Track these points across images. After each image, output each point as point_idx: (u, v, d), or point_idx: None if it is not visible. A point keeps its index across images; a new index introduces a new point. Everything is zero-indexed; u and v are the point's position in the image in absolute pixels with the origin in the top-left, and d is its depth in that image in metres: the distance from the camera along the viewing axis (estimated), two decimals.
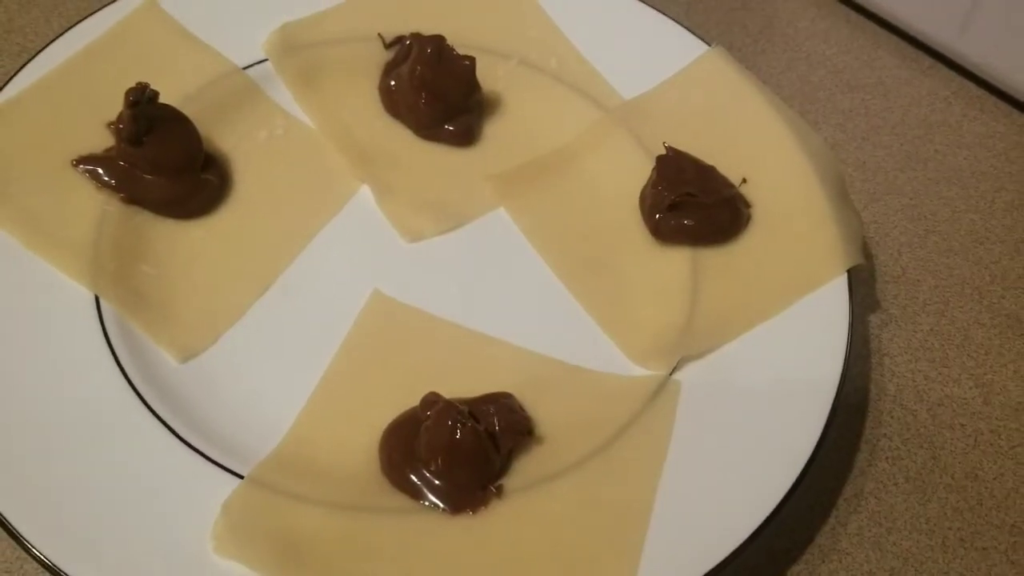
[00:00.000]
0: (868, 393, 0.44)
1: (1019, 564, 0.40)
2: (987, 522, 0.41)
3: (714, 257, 0.44)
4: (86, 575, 0.32)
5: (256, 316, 0.42)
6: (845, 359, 0.40)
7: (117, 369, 0.38)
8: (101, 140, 0.44)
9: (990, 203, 0.52)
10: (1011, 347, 0.47)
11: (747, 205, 0.45)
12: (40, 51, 0.45)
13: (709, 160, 0.45)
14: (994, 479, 0.42)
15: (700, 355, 0.41)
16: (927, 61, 0.58)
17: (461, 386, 0.38)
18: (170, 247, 0.43)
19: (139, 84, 0.42)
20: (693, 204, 0.44)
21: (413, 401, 0.38)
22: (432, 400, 0.38)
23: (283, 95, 0.48)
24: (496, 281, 0.44)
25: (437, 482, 0.36)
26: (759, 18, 0.59)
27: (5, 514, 0.33)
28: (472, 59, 0.47)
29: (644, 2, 0.51)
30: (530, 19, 0.51)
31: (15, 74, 0.45)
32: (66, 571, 0.32)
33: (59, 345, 0.38)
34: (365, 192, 0.46)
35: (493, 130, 0.49)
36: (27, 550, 0.33)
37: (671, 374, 0.40)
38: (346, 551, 0.34)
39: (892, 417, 0.44)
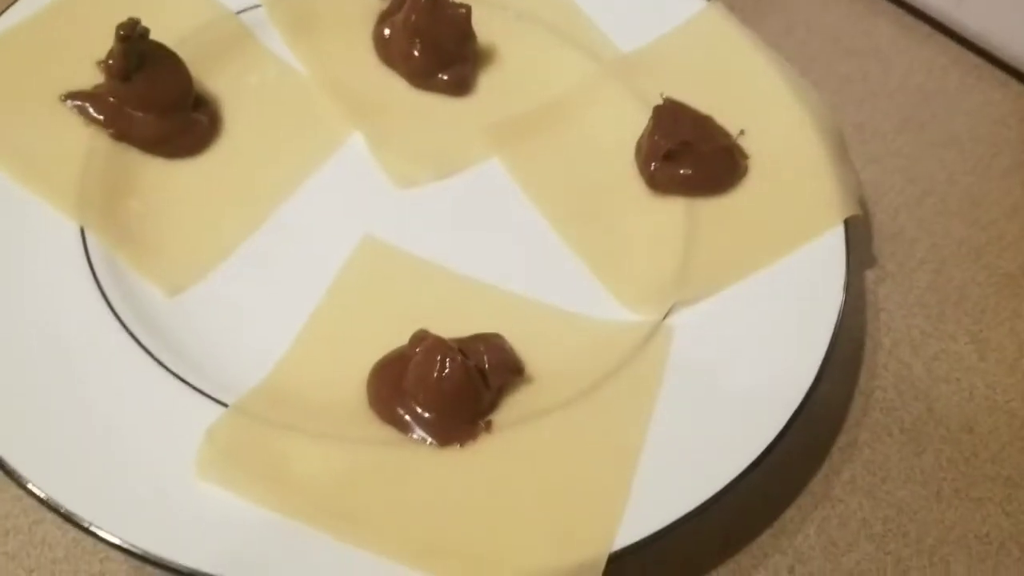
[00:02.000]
0: (863, 347, 0.44)
1: (1013, 515, 0.40)
2: (982, 474, 0.41)
3: (709, 207, 0.44)
4: (72, 500, 0.32)
5: (245, 254, 0.41)
6: (840, 308, 0.39)
7: (103, 301, 0.37)
8: (91, 77, 0.43)
9: (987, 167, 0.52)
10: (1007, 305, 0.46)
11: (744, 156, 0.45)
12: None
13: (706, 112, 0.45)
14: (989, 432, 0.42)
15: (694, 302, 0.40)
16: (925, 30, 0.57)
17: (451, 328, 0.38)
18: (159, 185, 0.42)
19: (130, 19, 0.41)
20: (689, 153, 0.43)
21: (402, 341, 0.38)
22: (421, 336, 0.37)
23: (276, 41, 0.48)
24: (488, 229, 0.44)
25: (425, 415, 0.36)
26: None
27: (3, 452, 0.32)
28: (467, 7, 0.46)
29: None
30: None
31: (4, 11, 0.44)
32: (53, 496, 0.32)
33: (45, 277, 0.38)
34: (357, 139, 0.46)
35: (488, 81, 0.48)
36: (13, 478, 0.32)
37: (664, 319, 0.40)
38: (331, 480, 0.34)
39: (887, 370, 0.43)
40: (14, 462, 0.32)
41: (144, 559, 0.31)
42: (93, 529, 0.31)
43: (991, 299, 0.46)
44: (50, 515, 0.35)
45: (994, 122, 0.54)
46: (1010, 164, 0.52)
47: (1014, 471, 0.41)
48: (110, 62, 0.42)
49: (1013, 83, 0.56)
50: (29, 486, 0.32)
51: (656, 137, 0.44)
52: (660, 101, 0.45)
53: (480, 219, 0.44)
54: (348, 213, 0.43)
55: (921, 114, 0.53)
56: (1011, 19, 0.54)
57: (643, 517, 0.33)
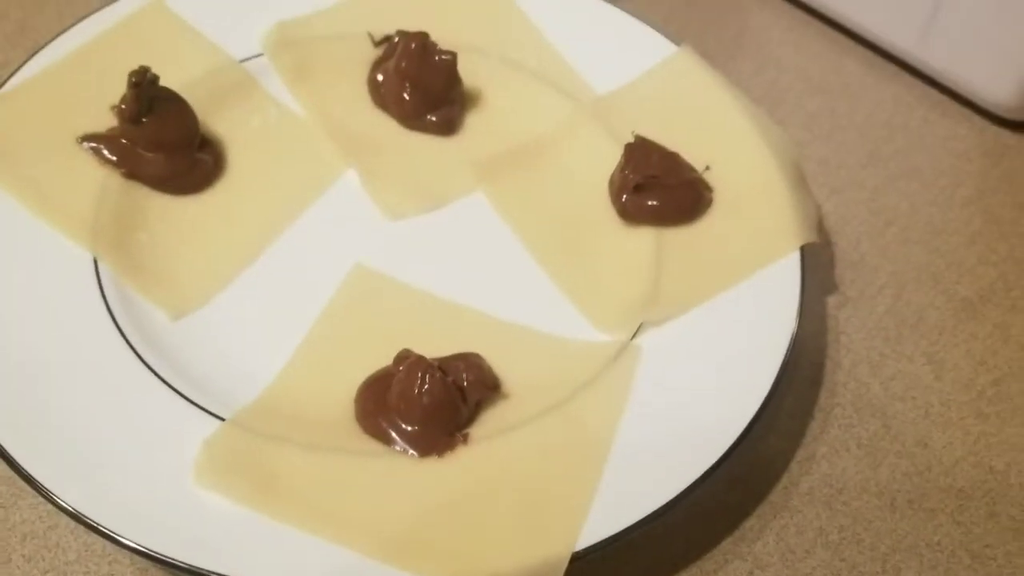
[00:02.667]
0: (824, 367, 0.47)
1: (964, 524, 0.42)
2: (935, 486, 0.43)
3: (677, 236, 0.47)
4: (79, 499, 0.35)
5: (245, 282, 0.44)
6: (794, 327, 0.42)
7: (113, 324, 0.41)
8: (105, 121, 0.47)
9: (948, 198, 0.55)
10: (963, 328, 0.49)
11: (708, 189, 0.48)
12: (51, 41, 0.49)
13: (674, 149, 0.48)
14: (943, 447, 0.45)
15: (660, 322, 0.43)
16: (891, 68, 0.61)
17: (434, 349, 0.41)
18: (166, 219, 0.46)
19: (141, 67, 0.45)
20: (657, 186, 0.47)
21: (388, 361, 0.41)
22: (405, 355, 0.40)
23: (277, 87, 0.51)
24: (471, 257, 0.47)
25: (406, 428, 0.39)
26: (733, 27, 0.62)
27: (8, 449, 0.36)
28: (453, 54, 0.50)
29: (619, 8, 0.54)
30: (510, 20, 0.54)
31: (27, 60, 0.48)
32: (61, 496, 0.35)
33: (60, 301, 0.41)
34: (351, 175, 0.49)
35: (474, 121, 0.52)
36: (34, 486, 0.35)
37: (632, 339, 0.43)
38: (320, 486, 0.37)
39: (846, 389, 0.46)
40: (35, 472, 0.35)
41: (148, 557, 0.34)
42: (103, 530, 0.34)
43: (948, 322, 0.49)
44: (63, 521, 0.38)
45: (956, 155, 0.57)
46: (970, 194, 0.55)
47: (966, 483, 0.44)
48: (123, 107, 0.45)
49: (976, 118, 0.59)
50: (49, 494, 0.35)
51: (627, 171, 0.47)
52: (631, 139, 0.48)
53: (464, 248, 0.47)
54: (341, 243, 0.46)
55: (886, 148, 0.57)
56: (972, 57, 0.57)
57: (605, 520, 0.36)
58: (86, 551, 0.38)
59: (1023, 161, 0.57)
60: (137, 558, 0.38)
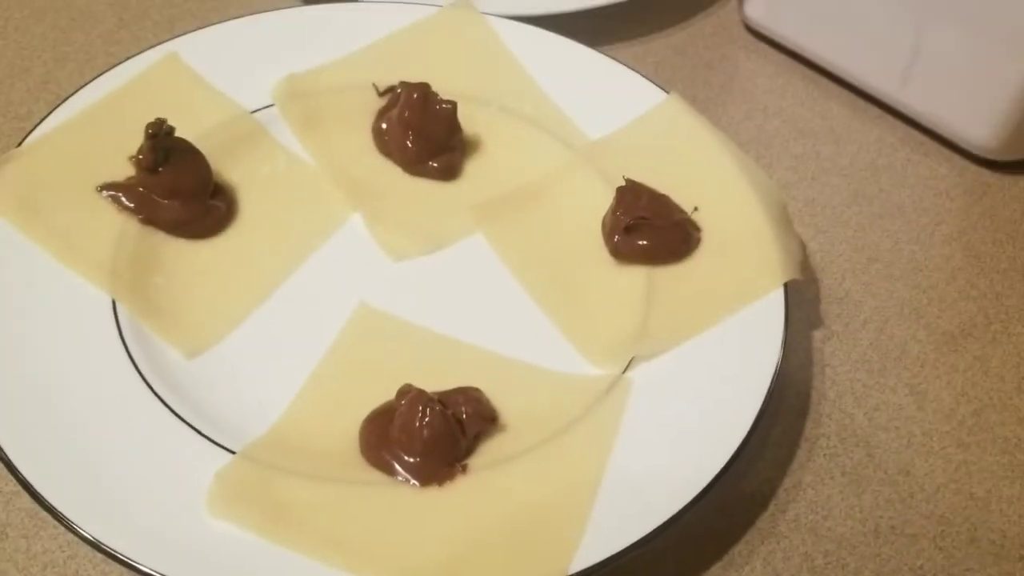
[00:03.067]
0: (809, 399, 0.49)
1: (946, 550, 0.44)
2: (917, 512, 0.45)
3: (667, 274, 0.49)
4: (99, 530, 0.37)
5: (255, 322, 0.47)
6: (778, 360, 0.44)
7: (129, 362, 0.43)
8: (123, 171, 0.49)
9: (930, 235, 0.57)
10: (945, 360, 0.51)
11: (697, 229, 0.50)
12: (71, 95, 0.51)
13: (664, 192, 0.51)
14: (925, 475, 0.46)
15: (651, 357, 0.45)
16: (874, 111, 0.63)
17: (435, 383, 0.43)
18: (180, 263, 0.48)
19: (158, 119, 0.48)
20: (647, 227, 0.49)
21: (391, 396, 0.43)
22: (406, 390, 0.42)
23: (286, 136, 0.54)
24: (471, 296, 0.49)
25: (408, 459, 0.41)
26: (721, 75, 0.65)
27: (33, 482, 0.38)
28: (453, 103, 0.53)
29: (612, 58, 0.57)
30: (507, 71, 0.57)
31: (49, 114, 0.51)
32: (82, 527, 0.37)
33: (81, 341, 0.43)
34: (356, 219, 0.52)
35: (473, 167, 0.54)
36: (52, 512, 0.37)
37: (623, 373, 0.45)
38: (326, 516, 0.39)
39: (831, 419, 0.48)
40: (58, 504, 0.37)
41: None
42: (122, 558, 0.36)
43: (930, 355, 0.51)
44: (82, 551, 0.40)
45: (938, 194, 0.59)
46: (951, 232, 0.57)
47: (947, 510, 0.45)
48: (140, 157, 0.48)
49: (956, 158, 0.61)
50: (71, 524, 0.37)
51: (618, 213, 0.49)
52: (623, 182, 0.50)
53: (463, 287, 0.49)
54: (346, 284, 0.49)
55: (869, 188, 0.59)
56: (952, 99, 0.59)
57: (598, 545, 0.38)
58: None
59: (1002, 199, 0.59)
60: None
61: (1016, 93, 0.56)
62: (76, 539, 0.40)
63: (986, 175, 0.60)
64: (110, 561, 0.40)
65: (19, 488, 0.41)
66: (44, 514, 0.41)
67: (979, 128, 0.59)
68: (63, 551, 0.40)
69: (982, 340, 0.52)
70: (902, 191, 0.59)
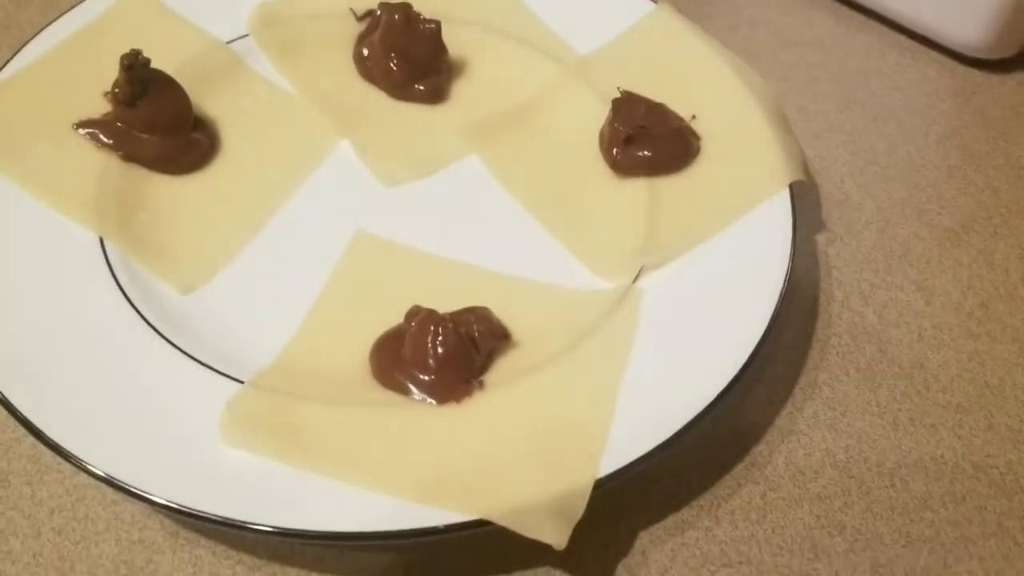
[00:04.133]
0: (818, 301, 0.48)
1: (965, 438, 0.44)
2: (934, 403, 0.45)
3: (669, 184, 0.48)
4: (113, 466, 0.35)
5: (250, 255, 0.45)
6: (789, 258, 0.43)
7: (125, 300, 0.41)
8: (98, 108, 0.47)
9: (924, 136, 0.56)
10: (948, 256, 0.50)
11: (696, 137, 0.49)
12: (37, 33, 0.49)
13: (660, 102, 0.50)
14: (939, 367, 0.46)
15: (660, 265, 0.44)
16: (859, 18, 0.62)
17: (441, 306, 0.41)
18: (167, 198, 0.46)
19: (133, 50, 0.45)
20: (646, 136, 0.48)
21: (397, 321, 0.42)
22: (415, 311, 0.41)
23: (264, 66, 0.52)
24: (469, 217, 0.48)
25: (423, 378, 0.39)
26: None
27: (41, 426, 0.36)
28: (437, 22, 0.51)
29: None
30: None
31: (16, 53, 0.48)
32: (94, 465, 0.35)
33: (72, 283, 0.42)
34: (345, 147, 0.50)
35: (461, 89, 0.53)
36: (60, 452, 0.36)
37: (633, 283, 0.44)
38: (343, 436, 0.37)
39: (841, 319, 0.47)
40: (68, 445, 0.36)
41: (180, 512, 0.35)
42: (136, 491, 0.35)
43: (934, 252, 0.51)
44: (89, 493, 0.39)
45: (928, 96, 0.58)
46: (944, 132, 0.56)
47: (963, 399, 0.45)
48: (116, 91, 0.46)
49: (945, 60, 0.60)
50: (86, 465, 0.35)
51: (616, 125, 0.48)
52: (617, 95, 0.49)
53: (461, 210, 0.48)
54: (341, 212, 0.47)
55: (860, 93, 0.58)
56: (938, 1, 0.58)
57: (623, 449, 0.37)
58: (115, 520, 0.38)
59: (992, 98, 0.59)
60: (167, 522, 0.38)
61: None
62: (82, 482, 0.39)
63: (975, 75, 0.60)
64: (119, 502, 0.39)
65: (17, 436, 0.40)
66: (46, 460, 0.40)
67: (966, 27, 0.58)
68: (70, 495, 0.39)
69: (983, 234, 0.52)
70: (893, 94, 0.58)
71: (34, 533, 0.38)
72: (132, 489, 0.35)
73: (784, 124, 0.50)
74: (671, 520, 0.40)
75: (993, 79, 0.60)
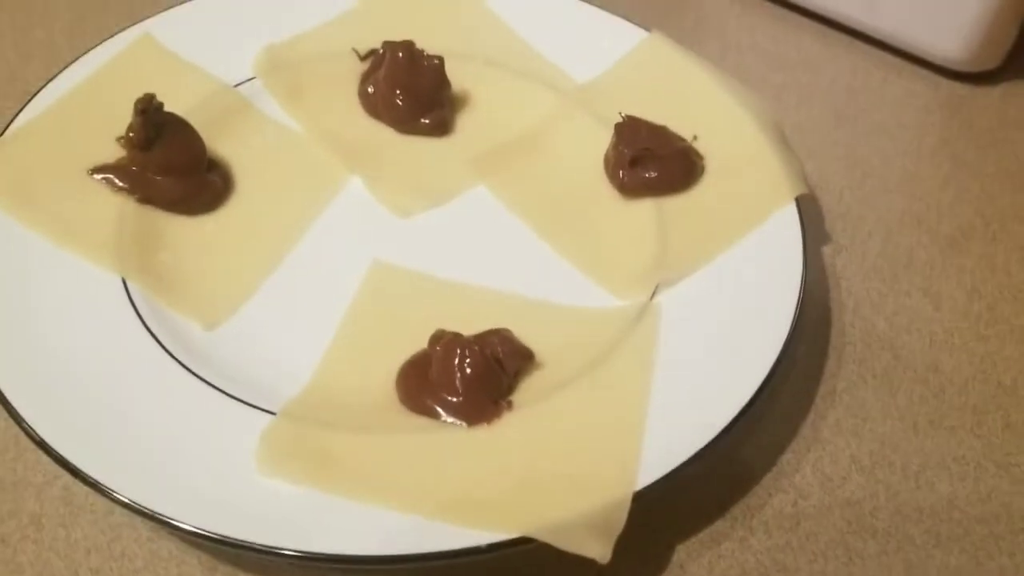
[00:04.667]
0: (830, 312, 0.49)
1: (984, 437, 0.44)
2: (951, 406, 0.46)
3: (676, 204, 0.49)
4: (147, 499, 0.35)
5: (270, 289, 0.45)
6: (803, 268, 0.44)
7: (152, 339, 0.41)
8: (111, 153, 0.48)
9: (916, 148, 0.58)
10: (952, 262, 0.52)
11: (700, 157, 0.50)
12: (47, 83, 0.50)
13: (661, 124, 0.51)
14: (953, 370, 0.47)
15: (675, 281, 0.45)
16: (845, 39, 0.64)
17: (462, 331, 0.42)
18: (185, 238, 0.47)
19: (146, 94, 0.46)
20: (651, 158, 0.49)
21: (419, 347, 0.42)
22: (440, 335, 0.42)
23: (272, 108, 0.53)
24: (482, 245, 0.48)
25: (452, 400, 0.40)
26: (691, 18, 0.65)
27: (80, 465, 0.36)
28: (441, 58, 0.52)
29: (588, 2, 0.57)
30: (488, 26, 0.57)
31: (24, 106, 0.49)
32: (133, 499, 0.35)
33: (98, 325, 0.42)
34: (355, 182, 0.51)
35: (465, 121, 0.54)
36: (98, 488, 0.36)
37: (651, 300, 0.45)
38: (376, 462, 0.38)
39: (854, 328, 0.48)
40: (108, 482, 0.36)
41: (217, 541, 0.35)
42: (174, 523, 0.35)
43: (937, 259, 0.52)
44: (125, 532, 0.39)
45: (917, 110, 0.60)
46: (936, 143, 0.58)
47: (979, 400, 0.46)
48: (131, 135, 0.46)
49: (930, 75, 0.62)
50: (121, 498, 0.35)
51: (620, 148, 0.49)
52: (618, 120, 0.50)
53: (474, 237, 0.49)
54: (356, 244, 0.47)
55: (851, 110, 0.60)
56: (920, 16, 0.60)
57: (657, 462, 0.37)
58: (153, 557, 0.38)
59: (978, 109, 0.60)
60: (204, 557, 0.38)
61: (981, 4, 0.58)
62: (116, 522, 0.39)
63: (959, 88, 0.62)
64: (156, 539, 0.39)
65: (48, 479, 0.40)
66: (79, 500, 0.40)
67: (949, 42, 0.60)
68: (105, 535, 0.39)
69: (983, 240, 0.53)
70: (883, 110, 0.60)
71: (71, 573, 0.38)
72: (168, 520, 0.35)
73: (783, 140, 0.51)
74: (705, 533, 0.41)
75: (977, 91, 0.62)
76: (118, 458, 0.37)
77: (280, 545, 0.34)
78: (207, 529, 0.35)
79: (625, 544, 0.39)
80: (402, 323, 0.44)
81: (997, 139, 0.59)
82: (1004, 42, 0.61)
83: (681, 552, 0.40)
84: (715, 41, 0.64)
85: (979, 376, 0.47)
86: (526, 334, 0.43)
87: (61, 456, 0.36)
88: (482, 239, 0.49)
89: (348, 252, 0.47)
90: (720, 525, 0.41)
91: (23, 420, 0.37)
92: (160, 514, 0.35)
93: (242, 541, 0.35)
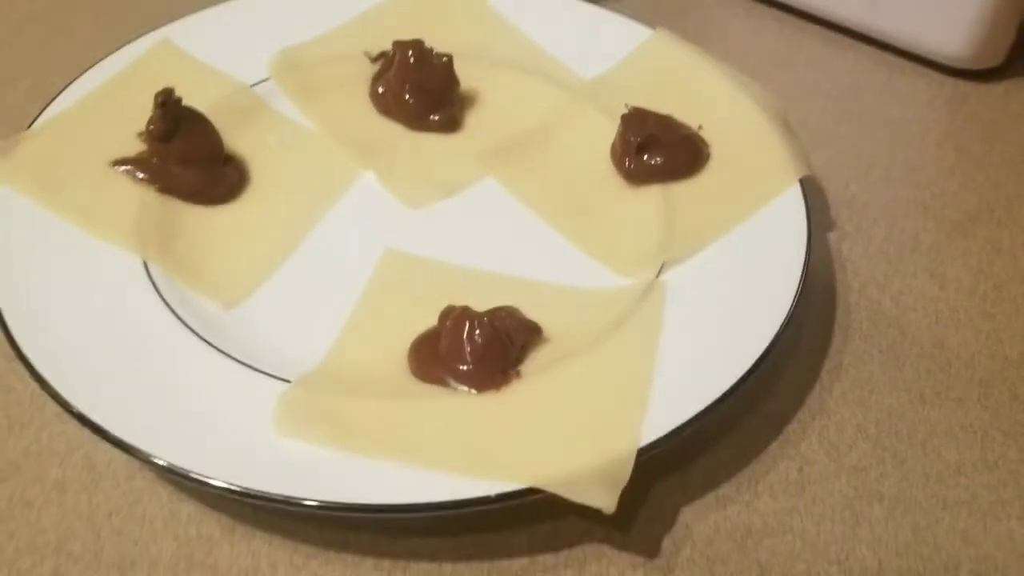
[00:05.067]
0: (836, 292, 0.50)
1: (991, 408, 0.45)
2: (958, 378, 0.46)
3: (683, 189, 0.50)
4: (176, 456, 0.37)
5: (285, 273, 0.47)
6: (807, 244, 0.45)
7: (172, 315, 0.43)
8: (132, 148, 0.49)
9: (921, 140, 0.59)
10: (957, 245, 0.52)
11: (705, 144, 0.51)
12: (72, 82, 0.52)
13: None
14: (959, 345, 0.47)
15: (681, 259, 0.46)
16: (847, 40, 0.65)
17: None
18: (203, 227, 0.48)
19: (166, 88, 0.48)
20: (657, 144, 0.50)
21: (429, 325, 0.43)
22: (449, 311, 0.43)
23: (287, 107, 0.54)
24: (491, 234, 0.50)
25: (463, 369, 0.41)
26: (696, 23, 0.67)
27: (111, 429, 0.37)
28: (449, 56, 0.54)
29: (595, 3, 0.59)
30: (495, 27, 0.58)
31: (49, 102, 0.51)
32: (167, 459, 0.37)
33: (122, 305, 0.43)
34: (367, 177, 0.52)
35: (474, 118, 0.55)
36: (129, 451, 0.37)
37: (656, 277, 0.45)
38: (390, 423, 0.38)
39: (860, 306, 0.49)
40: (138, 443, 0.37)
41: (245, 495, 0.36)
42: (206, 480, 0.36)
43: (942, 242, 0.52)
44: (145, 496, 0.40)
45: (922, 105, 0.61)
46: (940, 136, 0.59)
47: (985, 373, 0.46)
48: (151, 128, 0.48)
49: (933, 74, 0.63)
50: (152, 459, 0.37)
51: (627, 136, 0.50)
52: (624, 112, 0.51)
53: (484, 227, 0.50)
54: (368, 233, 0.49)
55: (856, 107, 0.61)
56: (921, 15, 0.61)
57: (662, 420, 0.38)
58: (172, 519, 0.39)
59: (983, 104, 0.61)
60: (224, 519, 0.39)
61: (982, 4, 0.59)
62: (137, 486, 0.40)
63: (963, 85, 0.63)
64: (175, 502, 0.39)
65: (70, 448, 0.42)
66: (100, 468, 0.41)
67: (951, 40, 0.61)
68: (126, 498, 0.40)
69: (989, 225, 0.53)
70: (887, 106, 0.61)
71: (94, 535, 0.39)
72: (198, 477, 0.36)
73: (786, 127, 0.52)
74: (711, 496, 0.41)
75: (981, 88, 0.62)
76: (149, 424, 0.38)
77: (299, 496, 0.35)
78: (233, 482, 0.36)
79: (632, 507, 0.39)
80: (413, 305, 0.45)
81: (1001, 131, 0.60)
82: (1005, 39, 0.62)
83: (687, 514, 0.40)
84: (720, 44, 0.65)
85: (985, 351, 0.47)
86: (534, 313, 0.44)
87: (99, 426, 0.37)
88: (491, 228, 0.50)
89: (361, 241, 0.49)
90: (726, 489, 0.41)
91: (60, 396, 0.38)
92: (192, 472, 0.36)
93: (265, 493, 0.35)
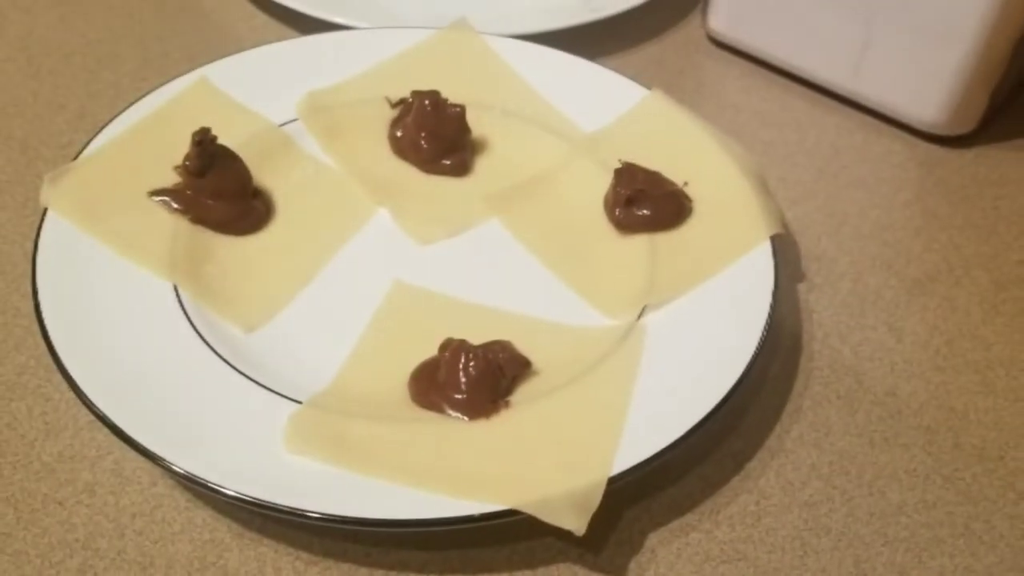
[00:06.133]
0: (801, 339, 0.54)
1: (934, 454, 0.49)
2: (906, 425, 0.51)
3: (667, 239, 0.55)
4: (195, 466, 0.41)
5: (302, 301, 0.52)
6: (772, 296, 0.50)
7: (198, 337, 0.48)
8: (168, 180, 0.54)
9: (891, 201, 0.63)
10: (916, 302, 0.57)
11: (689, 200, 0.56)
12: (115, 117, 0.57)
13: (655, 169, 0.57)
14: (909, 395, 0.52)
15: (660, 305, 0.51)
16: (832, 103, 0.70)
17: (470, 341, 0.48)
18: (230, 255, 0.53)
19: (203, 128, 0.53)
20: (645, 198, 0.55)
21: (432, 355, 0.48)
22: (448, 343, 0.47)
23: (312, 146, 0.59)
24: (493, 270, 0.55)
25: (456, 397, 0.45)
26: (692, 80, 0.72)
27: (137, 437, 0.42)
28: (463, 106, 0.59)
29: (598, 63, 0.64)
30: (506, 80, 0.64)
31: (93, 137, 0.56)
32: (187, 468, 0.41)
33: (153, 326, 0.48)
34: (382, 214, 0.57)
35: (483, 164, 0.60)
36: (152, 458, 0.42)
37: (637, 320, 0.50)
38: (387, 445, 0.43)
39: (822, 355, 0.54)
40: (162, 451, 0.42)
41: (256, 505, 0.40)
42: (220, 489, 0.41)
43: (903, 298, 0.57)
44: (166, 501, 0.45)
45: (894, 167, 0.66)
46: (909, 198, 0.64)
47: (932, 421, 0.51)
48: (187, 163, 0.53)
49: (908, 137, 0.68)
50: (173, 467, 0.41)
51: (618, 189, 0.55)
52: (619, 166, 0.56)
53: (485, 263, 0.55)
54: (380, 267, 0.54)
55: (833, 166, 0.66)
56: (900, 85, 0.66)
57: (632, 453, 0.43)
58: (189, 523, 0.44)
59: (952, 169, 0.66)
60: (234, 525, 0.44)
61: (955, 75, 0.64)
62: (159, 492, 0.45)
63: (935, 150, 0.68)
64: (192, 508, 0.44)
65: (101, 454, 0.46)
66: (127, 473, 0.46)
67: (926, 108, 0.66)
68: (148, 503, 0.45)
69: (947, 283, 0.58)
70: (862, 166, 0.66)
71: (118, 534, 0.43)
72: (213, 487, 0.41)
73: (764, 188, 0.57)
74: (676, 524, 0.46)
75: (952, 153, 0.67)
76: (172, 434, 0.43)
77: (304, 508, 0.40)
78: (245, 493, 0.40)
79: (603, 532, 0.44)
80: (417, 335, 0.50)
81: (968, 195, 0.64)
82: (977, 107, 0.67)
83: (653, 539, 0.45)
84: (713, 101, 0.70)
85: (933, 401, 0.52)
86: (526, 347, 0.49)
87: (127, 435, 0.42)
88: (493, 265, 0.55)
89: (373, 273, 0.54)
90: (689, 518, 0.46)
91: (95, 406, 0.43)
92: (208, 481, 0.41)
93: (273, 504, 0.40)
